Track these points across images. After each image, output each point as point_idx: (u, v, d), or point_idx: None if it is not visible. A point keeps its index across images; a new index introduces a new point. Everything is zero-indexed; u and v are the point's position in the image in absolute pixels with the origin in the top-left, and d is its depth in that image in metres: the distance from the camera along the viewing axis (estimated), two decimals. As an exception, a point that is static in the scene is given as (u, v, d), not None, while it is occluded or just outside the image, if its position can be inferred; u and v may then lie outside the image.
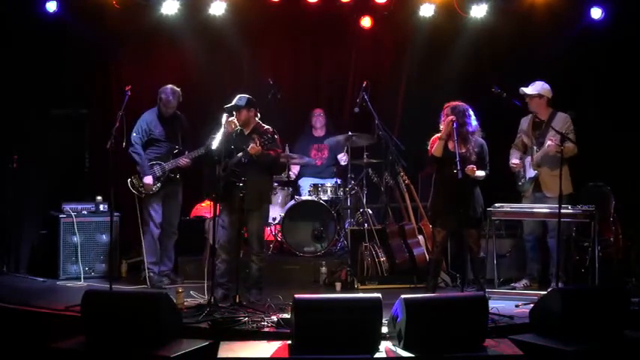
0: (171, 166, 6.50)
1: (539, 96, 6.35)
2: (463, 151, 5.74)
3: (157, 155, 6.54)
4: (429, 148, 5.89)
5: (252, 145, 5.72)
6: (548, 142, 6.14)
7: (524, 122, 6.55)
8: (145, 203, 6.51)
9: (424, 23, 7.70)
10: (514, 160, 6.47)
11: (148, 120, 6.55)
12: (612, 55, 7.29)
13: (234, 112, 5.86)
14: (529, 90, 6.37)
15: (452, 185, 5.66)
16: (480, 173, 5.74)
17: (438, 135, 5.83)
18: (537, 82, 6.41)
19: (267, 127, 6.00)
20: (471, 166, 5.67)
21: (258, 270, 5.97)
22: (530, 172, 6.35)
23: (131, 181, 6.46)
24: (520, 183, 6.48)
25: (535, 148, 6.34)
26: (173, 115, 6.62)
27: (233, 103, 5.91)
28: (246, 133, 5.93)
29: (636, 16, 7.05)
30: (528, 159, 6.40)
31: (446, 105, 5.86)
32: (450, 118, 5.73)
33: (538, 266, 6.49)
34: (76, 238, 6.74)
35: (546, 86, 6.40)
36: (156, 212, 6.53)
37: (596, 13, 7.29)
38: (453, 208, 5.70)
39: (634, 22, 7.09)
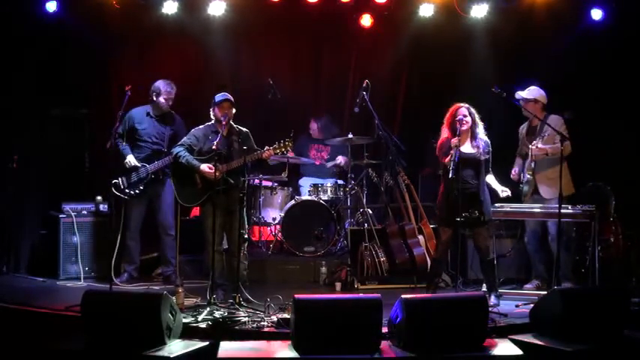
0: (155, 168, 6.39)
1: (535, 101, 6.38)
2: (473, 151, 5.71)
3: (140, 157, 6.45)
4: (437, 149, 5.80)
5: (267, 150, 5.75)
6: (532, 148, 6.16)
7: (523, 130, 6.57)
8: (129, 206, 6.46)
9: (424, 23, 7.70)
10: (512, 172, 6.51)
11: (134, 115, 6.48)
12: (612, 56, 7.28)
13: (223, 105, 5.84)
14: (525, 94, 6.38)
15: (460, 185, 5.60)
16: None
17: (446, 136, 5.74)
18: (533, 87, 6.42)
19: (239, 127, 5.99)
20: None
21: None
22: (525, 176, 6.36)
23: (115, 184, 6.33)
24: (520, 186, 6.47)
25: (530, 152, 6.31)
26: (166, 114, 6.55)
27: (227, 97, 5.87)
28: (224, 134, 5.85)
29: (636, 16, 7.05)
30: (525, 162, 6.40)
31: (455, 106, 5.75)
32: (465, 120, 5.65)
33: (543, 267, 6.46)
34: (76, 238, 6.73)
35: (542, 92, 6.41)
36: (134, 219, 6.49)
37: (596, 14, 7.28)
38: (461, 208, 5.59)
39: (634, 22, 7.09)
